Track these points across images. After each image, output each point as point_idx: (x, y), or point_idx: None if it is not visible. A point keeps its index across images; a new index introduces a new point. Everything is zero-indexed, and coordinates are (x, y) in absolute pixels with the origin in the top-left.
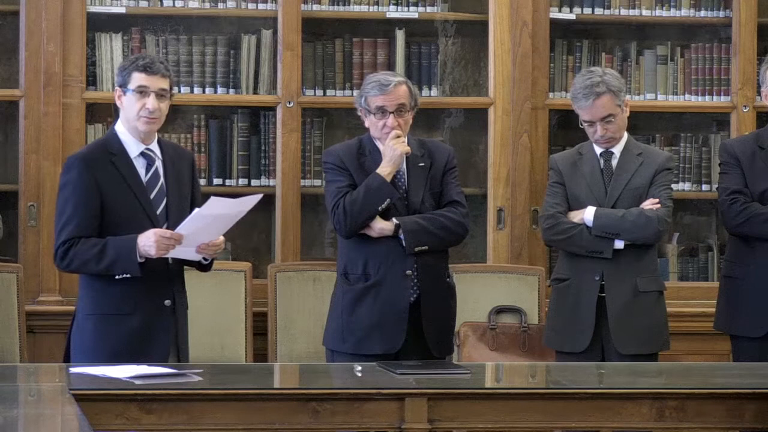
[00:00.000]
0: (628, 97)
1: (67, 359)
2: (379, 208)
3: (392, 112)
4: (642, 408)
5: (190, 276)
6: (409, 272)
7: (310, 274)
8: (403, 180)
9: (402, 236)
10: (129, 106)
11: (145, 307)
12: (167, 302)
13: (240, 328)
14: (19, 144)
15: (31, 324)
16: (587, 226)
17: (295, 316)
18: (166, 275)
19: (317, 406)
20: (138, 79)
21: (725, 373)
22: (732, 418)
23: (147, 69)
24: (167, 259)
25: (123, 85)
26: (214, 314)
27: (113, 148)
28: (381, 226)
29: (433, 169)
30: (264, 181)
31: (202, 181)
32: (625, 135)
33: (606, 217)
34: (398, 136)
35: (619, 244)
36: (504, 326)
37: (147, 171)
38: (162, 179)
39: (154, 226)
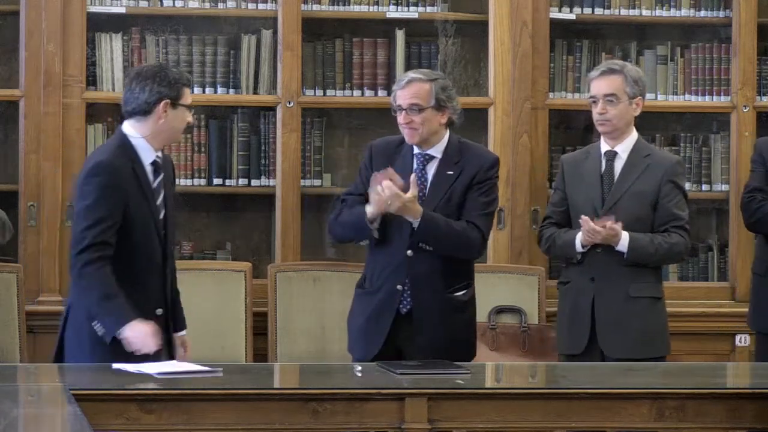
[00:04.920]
0: None
1: (59, 359)
2: (357, 243)
3: (405, 109)
4: (642, 408)
5: (190, 275)
6: (399, 287)
7: (310, 274)
8: (425, 185)
9: (415, 224)
10: (175, 119)
11: (141, 314)
12: (159, 311)
13: (240, 328)
14: (19, 144)
15: (31, 324)
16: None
17: (295, 316)
18: (162, 285)
19: (317, 406)
20: (188, 95)
21: (725, 373)
22: (732, 418)
23: (190, 85)
24: (165, 270)
25: (174, 98)
26: (214, 314)
27: (131, 154)
28: (371, 211)
29: (460, 179)
30: (264, 181)
31: (203, 181)
32: (635, 135)
33: (640, 250)
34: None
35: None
36: (504, 326)
37: (155, 179)
38: (162, 188)
39: (158, 233)
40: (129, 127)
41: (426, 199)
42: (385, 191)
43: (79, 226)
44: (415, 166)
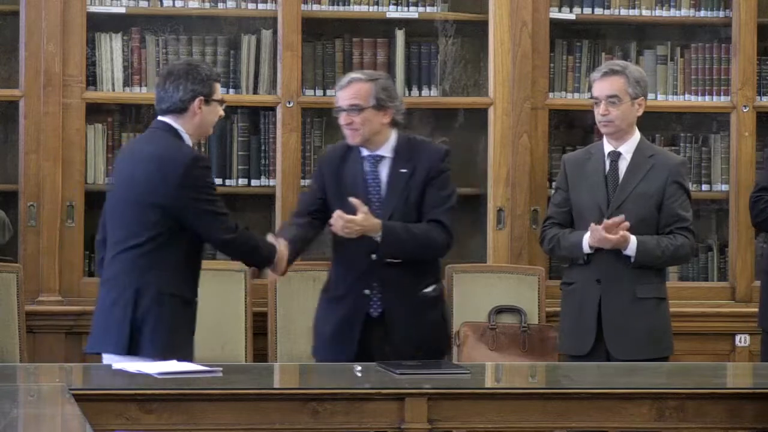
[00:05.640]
0: None
1: (132, 345)
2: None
3: (345, 110)
4: (642, 408)
5: None
6: (367, 291)
7: (310, 274)
8: (379, 186)
9: (377, 238)
10: (209, 114)
11: (190, 300)
12: (196, 298)
13: (240, 328)
14: (19, 144)
15: (31, 324)
16: (627, 255)
17: (295, 316)
18: (199, 273)
19: (317, 406)
20: (218, 90)
21: (725, 373)
22: (732, 418)
23: (220, 80)
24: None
25: (207, 95)
26: (214, 314)
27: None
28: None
29: (416, 175)
30: (264, 181)
31: None
32: (637, 135)
33: (648, 254)
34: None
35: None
36: (504, 326)
37: None
38: None
39: None
40: (172, 121)
41: (383, 201)
42: (338, 221)
43: (213, 214)
44: (366, 168)
